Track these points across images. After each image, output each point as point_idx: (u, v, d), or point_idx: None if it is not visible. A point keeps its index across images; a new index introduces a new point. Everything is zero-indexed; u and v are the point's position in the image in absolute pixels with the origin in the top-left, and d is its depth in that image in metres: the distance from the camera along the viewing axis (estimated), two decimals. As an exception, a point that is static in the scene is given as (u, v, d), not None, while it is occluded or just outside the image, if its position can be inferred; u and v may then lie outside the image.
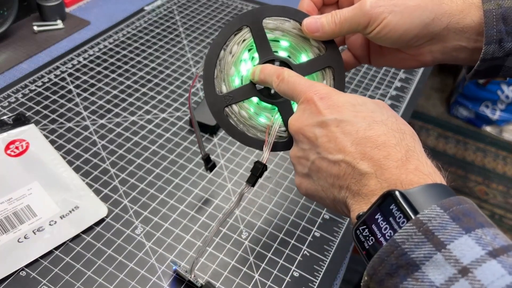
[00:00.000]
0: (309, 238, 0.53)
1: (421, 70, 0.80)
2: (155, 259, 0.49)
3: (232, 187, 0.58)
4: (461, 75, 1.98)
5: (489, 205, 1.60)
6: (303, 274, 0.49)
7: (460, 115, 1.94)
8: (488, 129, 1.90)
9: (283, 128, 0.42)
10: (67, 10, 0.88)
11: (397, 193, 0.30)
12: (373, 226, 0.31)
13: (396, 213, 0.30)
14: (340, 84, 0.43)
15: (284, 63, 0.42)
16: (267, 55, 0.42)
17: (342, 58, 0.43)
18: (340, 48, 0.44)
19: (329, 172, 0.35)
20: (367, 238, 0.31)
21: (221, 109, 0.42)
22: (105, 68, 0.75)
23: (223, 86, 0.42)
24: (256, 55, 0.42)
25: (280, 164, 0.62)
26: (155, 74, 0.75)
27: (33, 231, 0.50)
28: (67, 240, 0.50)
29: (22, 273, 0.47)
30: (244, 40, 0.42)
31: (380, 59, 0.47)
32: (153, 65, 0.76)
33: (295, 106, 0.43)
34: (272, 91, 0.43)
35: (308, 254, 0.51)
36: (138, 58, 0.77)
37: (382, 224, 0.30)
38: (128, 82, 0.72)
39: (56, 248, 0.50)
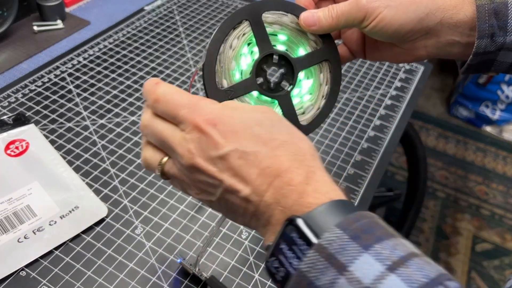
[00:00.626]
0: (309, 238, 0.53)
1: (421, 70, 0.80)
2: (155, 259, 0.49)
3: (232, 187, 0.58)
4: (461, 75, 1.98)
5: (489, 205, 1.60)
6: (303, 274, 0.49)
7: (460, 115, 1.94)
8: (488, 129, 1.90)
9: None
10: (67, 10, 0.88)
11: (297, 220, 0.29)
12: (281, 257, 0.30)
13: (297, 241, 0.29)
14: (336, 77, 0.44)
15: (283, 56, 0.42)
16: (266, 49, 0.42)
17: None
18: (336, 42, 0.44)
19: (238, 205, 0.34)
20: (278, 269, 0.30)
21: None
22: (105, 68, 0.75)
23: (224, 81, 0.42)
24: (255, 49, 0.42)
25: (280, 164, 0.61)
26: (155, 74, 0.75)
27: (33, 231, 0.50)
28: (67, 240, 0.50)
29: (22, 273, 0.47)
30: (244, 34, 0.42)
31: (375, 54, 0.47)
32: (153, 65, 0.76)
33: (294, 99, 0.43)
34: (272, 85, 0.43)
35: (308, 254, 0.51)
36: (138, 58, 0.77)
37: (288, 253, 0.30)
38: (128, 82, 0.72)
39: (56, 248, 0.49)
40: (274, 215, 0.32)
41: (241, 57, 0.42)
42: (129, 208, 0.54)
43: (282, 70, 0.43)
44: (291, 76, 0.43)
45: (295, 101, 0.43)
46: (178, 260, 0.48)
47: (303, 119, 0.43)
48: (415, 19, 0.40)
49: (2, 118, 0.63)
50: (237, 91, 0.42)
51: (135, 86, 0.72)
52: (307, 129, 0.44)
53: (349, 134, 0.67)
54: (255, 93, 0.42)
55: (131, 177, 0.58)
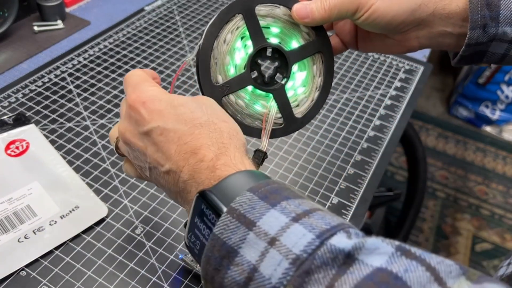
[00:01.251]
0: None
1: (421, 70, 0.80)
2: (155, 259, 0.49)
3: (232, 187, 0.58)
4: (461, 75, 1.98)
5: (489, 205, 1.60)
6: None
7: (460, 115, 1.94)
8: (488, 129, 1.90)
9: (279, 115, 0.42)
10: (67, 10, 0.88)
11: (205, 192, 0.31)
12: (196, 231, 0.32)
13: (206, 212, 0.31)
14: (329, 68, 0.44)
15: (277, 49, 0.42)
16: (260, 43, 0.42)
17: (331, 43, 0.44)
18: (328, 33, 0.44)
19: (164, 181, 0.35)
20: (195, 243, 0.32)
21: (219, 100, 0.41)
22: (105, 68, 0.75)
23: (219, 76, 0.41)
24: (249, 42, 0.42)
25: (280, 164, 0.62)
26: (155, 74, 0.75)
27: (33, 231, 0.50)
28: (67, 240, 0.50)
29: (22, 273, 0.47)
30: (237, 28, 0.41)
31: (367, 45, 0.47)
32: (153, 65, 0.76)
33: (288, 92, 0.43)
34: (266, 79, 0.42)
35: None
36: (138, 58, 0.78)
37: (200, 226, 0.31)
38: (128, 82, 0.72)
39: (56, 248, 0.50)
40: (191, 192, 0.34)
41: (235, 51, 0.42)
42: (129, 208, 0.54)
43: (276, 63, 0.42)
44: (285, 69, 0.42)
45: (289, 93, 0.43)
46: (180, 256, 0.48)
47: (298, 112, 0.43)
48: (408, 10, 0.41)
49: (2, 118, 0.63)
50: (232, 87, 0.41)
51: (135, 86, 0.72)
52: (302, 121, 0.44)
53: (349, 134, 0.67)
54: (249, 88, 0.42)
55: (131, 177, 0.58)
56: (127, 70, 0.75)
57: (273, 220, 0.28)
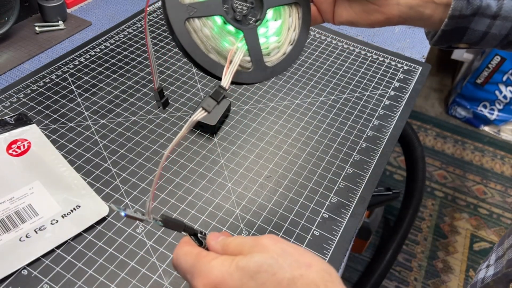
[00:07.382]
0: (309, 237, 0.53)
1: (419, 70, 0.80)
2: (156, 257, 0.50)
3: (232, 186, 0.58)
4: (459, 75, 1.99)
5: (487, 204, 1.61)
6: (302, 273, 0.50)
7: (459, 115, 1.95)
8: (486, 129, 1.91)
9: (248, 58, 0.40)
10: (69, 10, 0.88)
11: None
12: None
13: None
14: (305, 24, 0.43)
15: None
16: None
17: None
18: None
19: None
20: None
21: (183, 20, 0.37)
22: (107, 69, 0.75)
23: None
24: None
25: (280, 163, 0.62)
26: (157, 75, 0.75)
27: (34, 230, 0.51)
28: (69, 239, 0.51)
29: (23, 271, 0.48)
30: None
31: (345, 12, 0.46)
32: (153, 65, 0.77)
33: (260, 39, 0.41)
34: (238, 16, 0.40)
35: (307, 252, 0.52)
36: (139, 59, 0.78)
37: None
38: (129, 83, 0.73)
39: (58, 247, 0.50)
40: None
41: None
42: (130, 207, 0.55)
43: (250, 3, 0.41)
44: (259, 11, 0.41)
45: (261, 40, 0.41)
46: (124, 214, 0.39)
47: (268, 60, 0.41)
48: None
49: (4, 118, 0.63)
50: (200, 10, 0.38)
51: (136, 86, 0.72)
52: (271, 71, 0.41)
53: (348, 134, 0.67)
54: (219, 21, 0.40)
55: (132, 176, 0.58)
56: (128, 71, 0.75)
57: None
